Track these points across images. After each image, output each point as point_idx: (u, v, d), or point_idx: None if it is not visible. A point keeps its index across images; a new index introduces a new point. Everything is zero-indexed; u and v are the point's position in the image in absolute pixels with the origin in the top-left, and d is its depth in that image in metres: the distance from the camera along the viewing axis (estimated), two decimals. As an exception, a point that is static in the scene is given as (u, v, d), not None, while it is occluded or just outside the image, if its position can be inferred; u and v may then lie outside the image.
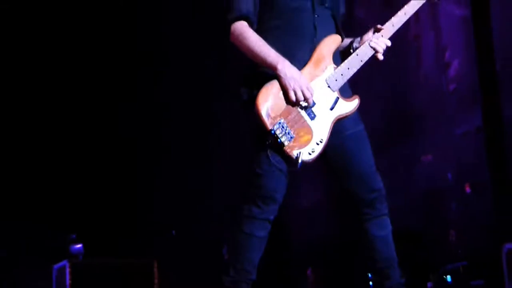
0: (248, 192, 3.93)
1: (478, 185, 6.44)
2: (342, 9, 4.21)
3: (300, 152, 3.82)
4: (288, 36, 4.00)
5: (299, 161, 3.80)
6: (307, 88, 3.83)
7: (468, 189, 6.52)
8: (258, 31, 4.00)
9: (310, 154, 3.82)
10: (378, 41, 3.98)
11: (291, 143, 3.81)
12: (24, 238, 7.85)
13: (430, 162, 6.92)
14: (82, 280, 6.14)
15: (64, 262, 6.20)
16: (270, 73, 3.87)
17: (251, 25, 3.98)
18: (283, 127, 3.80)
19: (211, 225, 8.74)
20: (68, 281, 6.10)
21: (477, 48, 6.40)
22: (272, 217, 3.89)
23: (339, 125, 3.95)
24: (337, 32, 4.05)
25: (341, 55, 4.11)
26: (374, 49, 3.97)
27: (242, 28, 3.96)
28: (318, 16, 4.01)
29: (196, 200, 9.21)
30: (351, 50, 4.05)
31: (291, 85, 3.82)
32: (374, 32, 4.02)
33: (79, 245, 6.33)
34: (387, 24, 4.02)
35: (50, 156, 9.44)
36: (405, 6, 4.05)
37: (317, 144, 3.84)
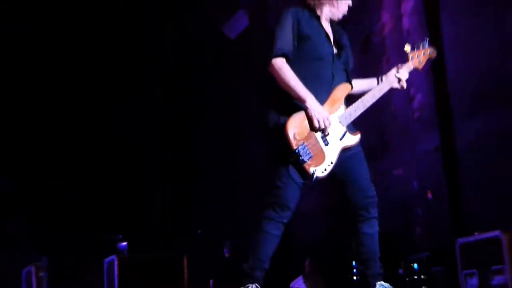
0: (268, 200, 4.23)
1: (437, 192, 6.62)
2: (351, 64, 4.56)
3: (315, 170, 4.17)
4: (312, 79, 4.32)
5: (314, 176, 4.16)
6: (327, 119, 4.18)
7: (430, 196, 6.68)
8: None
9: (323, 172, 4.19)
10: (402, 73, 4.55)
11: (309, 162, 4.15)
12: (83, 238, 8.07)
13: (400, 174, 7.16)
14: (127, 271, 6.29)
15: (113, 257, 6.38)
16: (296, 106, 4.23)
17: (288, 62, 4.29)
18: (304, 148, 4.15)
19: (232, 227, 8.90)
20: (116, 272, 6.26)
21: (435, 85, 6.60)
22: (285, 221, 4.24)
23: (344, 151, 4.28)
24: (348, 80, 4.43)
25: (355, 97, 4.46)
26: (398, 78, 4.53)
27: (282, 64, 4.26)
28: (336, 67, 4.38)
29: (222, 205, 9.28)
30: (370, 88, 4.52)
31: (315, 115, 4.17)
32: (397, 70, 4.58)
33: (124, 243, 6.55)
34: (404, 67, 4.60)
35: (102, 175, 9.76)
36: (405, 65, 4.63)
37: (329, 165, 4.21)
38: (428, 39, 4.81)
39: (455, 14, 6.53)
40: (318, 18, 4.47)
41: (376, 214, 4.36)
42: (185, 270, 6.44)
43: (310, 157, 4.17)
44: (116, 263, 6.29)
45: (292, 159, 4.15)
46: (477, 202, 6.25)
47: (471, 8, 6.36)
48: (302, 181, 4.19)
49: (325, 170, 4.21)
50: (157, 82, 10.89)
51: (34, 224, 8.94)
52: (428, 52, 4.76)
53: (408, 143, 6.98)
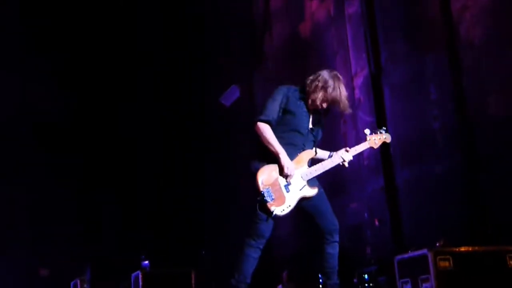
0: (249, 231, 4.37)
1: (382, 221, 6.66)
2: (320, 135, 4.65)
3: (275, 209, 4.28)
4: (288, 145, 4.45)
5: (273, 214, 4.28)
6: (292, 170, 4.34)
7: (376, 223, 6.73)
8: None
9: (281, 212, 4.32)
10: (346, 156, 4.57)
11: (272, 202, 4.28)
12: (113, 258, 8.24)
13: (354, 207, 7.22)
14: (149, 284, 6.37)
15: (138, 272, 6.46)
16: (270, 158, 4.34)
17: (271, 126, 4.43)
18: (268, 191, 4.30)
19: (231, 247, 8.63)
20: (140, 284, 6.34)
21: None
22: (261, 247, 4.38)
23: (306, 199, 4.40)
24: (314, 147, 4.58)
25: (317, 160, 4.57)
26: (343, 159, 4.54)
27: (266, 127, 4.42)
28: (307, 139, 4.53)
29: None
30: (329, 157, 4.56)
31: (284, 164, 4.33)
32: (345, 151, 4.60)
33: (146, 261, 6.55)
34: (353, 148, 4.64)
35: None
36: (364, 143, 4.70)
37: (288, 207, 4.34)
38: (385, 128, 4.89)
39: (394, 88, 6.74)
40: (305, 99, 4.53)
41: (337, 239, 4.48)
42: (193, 282, 6.48)
43: (272, 199, 4.29)
44: (140, 277, 6.34)
45: (259, 198, 4.27)
46: (411, 228, 6.37)
47: (405, 85, 6.60)
48: (266, 217, 4.30)
49: (283, 210, 4.34)
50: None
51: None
52: (384, 137, 4.81)
53: (361, 183, 7.06)
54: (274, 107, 4.49)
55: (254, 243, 4.38)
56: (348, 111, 4.66)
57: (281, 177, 4.38)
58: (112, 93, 9.52)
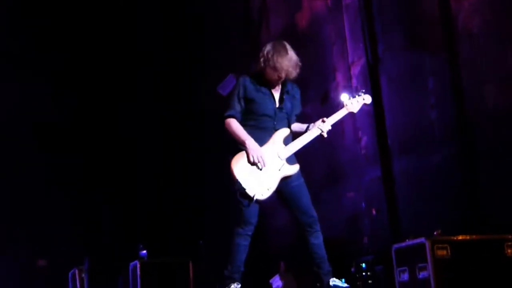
0: (235, 220, 4.46)
1: (379, 210, 6.67)
2: (297, 109, 4.71)
3: (255, 194, 4.37)
4: (258, 131, 4.56)
5: (254, 199, 4.36)
6: (261, 156, 4.41)
7: (374, 213, 6.71)
8: (241, 123, 4.56)
9: (262, 195, 4.39)
10: (323, 126, 4.59)
11: (250, 188, 4.37)
12: (113, 247, 8.31)
13: (352, 197, 7.20)
14: (147, 273, 6.34)
15: (136, 262, 6.44)
16: (241, 149, 4.45)
17: (237, 119, 4.56)
18: (245, 179, 4.36)
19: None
20: (138, 274, 6.32)
21: (377, 130, 6.70)
22: (250, 233, 4.47)
23: (288, 179, 4.52)
24: (288, 125, 4.63)
25: (296, 136, 4.61)
26: (321, 130, 4.57)
27: (231, 121, 4.55)
28: (278, 118, 4.58)
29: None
30: (307, 130, 4.60)
31: (251, 152, 4.43)
32: (322, 121, 4.63)
33: (144, 251, 6.50)
34: (330, 117, 4.65)
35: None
36: (342, 109, 4.71)
37: (267, 190, 4.42)
38: (364, 90, 4.92)
39: (391, 77, 6.73)
40: (264, 83, 4.60)
41: (318, 229, 4.56)
42: (191, 272, 6.48)
43: (250, 185, 4.37)
44: (138, 267, 6.33)
45: (236, 186, 4.37)
46: (408, 217, 6.38)
47: (403, 74, 6.58)
48: (247, 203, 4.38)
49: (263, 194, 4.40)
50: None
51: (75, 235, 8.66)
52: (363, 99, 4.80)
53: (358, 173, 7.04)
54: (234, 101, 4.58)
55: (242, 230, 4.44)
56: (293, 75, 4.59)
57: (251, 164, 4.41)
58: (112, 93, 9.46)
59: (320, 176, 7.36)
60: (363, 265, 6.19)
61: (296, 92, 4.79)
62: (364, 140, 6.95)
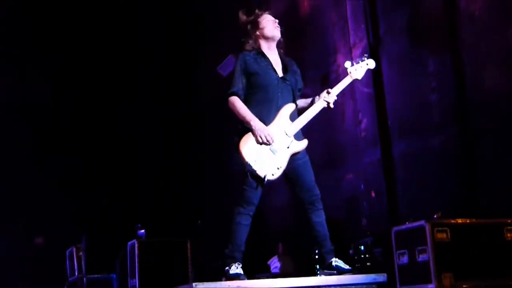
0: (237, 199, 4.37)
1: (378, 192, 6.70)
2: (300, 84, 4.64)
3: (265, 175, 4.26)
4: (262, 102, 4.44)
5: (266, 179, 4.27)
6: (268, 135, 4.30)
7: (373, 195, 6.76)
8: (245, 100, 4.45)
9: (272, 175, 4.29)
10: (329, 97, 4.49)
11: (260, 169, 4.26)
12: (109, 227, 8.34)
13: (351, 179, 7.27)
14: (145, 252, 6.34)
15: (134, 241, 6.44)
16: (247, 129, 4.33)
17: (240, 97, 4.43)
18: (255, 160, 4.27)
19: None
20: (136, 253, 6.32)
21: (377, 112, 6.74)
22: (251, 213, 4.36)
23: (294, 156, 4.43)
24: (293, 100, 4.52)
25: (301, 111, 4.49)
26: (327, 102, 4.46)
27: (234, 100, 4.43)
28: (281, 90, 4.47)
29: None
30: (310, 104, 4.49)
31: (257, 133, 4.30)
32: (327, 92, 4.51)
33: (142, 231, 6.47)
34: (335, 87, 4.55)
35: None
36: (346, 77, 4.60)
37: (277, 169, 4.31)
38: (366, 55, 4.79)
39: (392, 60, 6.74)
40: (262, 54, 4.56)
41: (321, 207, 4.49)
42: (189, 251, 6.48)
43: (260, 166, 4.26)
44: (136, 246, 6.32)
45: (247, 168, 4.26)
46: (407, 199, 6.43)
47: (403, 56, 6.59)
48: (255, 184, 4.30)
49: (274, 174, 4.29)
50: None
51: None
52: (366, 64, 4.68)
53: (357, 155, 7.07)
54: (236, 78, 4.50)
55: (243, 210, 4.37)
56: (276, 36, 4.61)
57: (259, 144, 4.34)
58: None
59: (319, 158, 7.09)
60: (362, 247, 6.20)
61: (296, 67, 4.75)
62: (364, 122, 6.96)
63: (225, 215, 4.70)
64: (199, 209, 9.10)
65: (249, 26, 4.63)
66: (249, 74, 4.51)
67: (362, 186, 6.98)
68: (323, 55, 7.59)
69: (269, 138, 4.32)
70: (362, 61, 4.71)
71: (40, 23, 9.26)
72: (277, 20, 4.64)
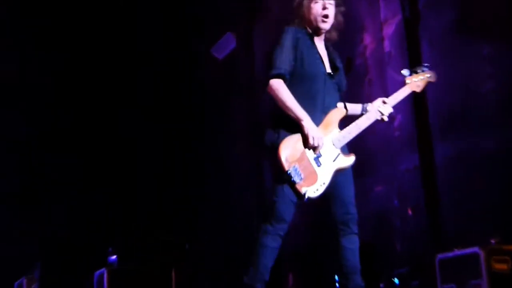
0: (266, 215, 4.36)
1: (416, 208, 6.64)
2: (344, 87, 4.69)
3: (307, 190, 4.28)
4: (305, 98, 4.42)
5: (306, 196, 4.27)
6: (321, 139, 4.32)
7: (409, 212, 6.70)
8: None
9: (314, 192, 4.31)
10: (385, 108, 4.58)
11: (301, 182, 4.26)
12: (75, 252, 8.29)
13: (381, 191, 7.21)
14: (117, 284, 6.34)
15: (103, 270, 6.43)
16: (292, 126, 4.32)
17: (285, 81, 4.42)
18: (296, 170, 4.26)
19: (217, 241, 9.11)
20: (105, 284, 6.30)
21: (415, 106, 6.68)
22: (282, 233, 4.36)
23: (338, 172, 4.43)
24: (342, 101, 4.58)
25: (350, 119, 4.57)
26: (381, 113, 4.56)
27: (279, 84, 4.40)
28: (327, 86, 4.52)
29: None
30: (363, 113, 4.61)
31: (310, 134, 4.30)
32: (383, 102, 4.61)
33: (114, 256, 6.47)
34: (391, 97, 4.65)
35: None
36: (404, 87, 4.72)
37: (321, 185, 4.33)
38: (428, 64, 4.90)
39: (434, 40, 6.66)
40: (312, 37, 4.61)
41: (356, 230, 4.48)
42: (173, 282, 6.51)
43: (301, 178, 4.26)
44: (106, 276, 6.30)
45: (285, 179, 4.25)
46: (455, 219, 6.33)
47: (449, 35, 6.52)
48: (295, 200, 4.29)
49: (317, 190, 4.31)
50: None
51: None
52: (427, 76, 4.80)
53: (389, 161, 7.03)
54: (285, 55, 4.47)
55: (272, 229, 4.36)
56: (321, 28, 4.67)
57: (308, 149, 4.36)
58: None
59: None
60: (396, 279, 6.24)
61: (340, 61, 4.79)
62: (398, 119, 6.93)
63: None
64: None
65: (296, 2, 4.71)
66: (297, 56, 4.52)
67: (395, 200, 6.97)
68: (345, 33, 7.17)
69: (320, 143, 4.32)
70: (423, 71, 4.82)
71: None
72: (327, 9, 4.65)
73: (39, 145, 10.03)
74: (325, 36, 4.72)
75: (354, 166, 7.05)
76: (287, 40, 4.51)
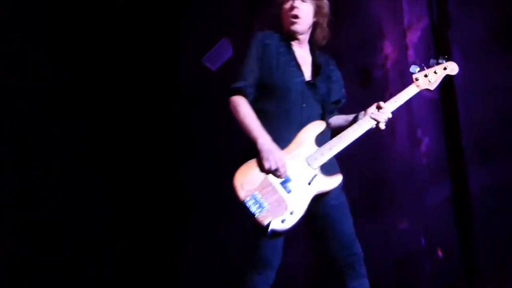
0: (250, 260, 4.31)
1: (448, 250, 6.47)
2: (336, 94, 4.65)
3: (270, 222, 4.08)
4: (278, 114, 4.39)
5: (269, 229, 4.08)
6: (280, 161, 4.16)
7: (439, 253, 6.53)
8: (256, 110, 4.40)
9: (281, 224, 4.09)
10: (380, 114, 4.43)
11: (263, 214, 4.08)
12: None
13: (405, 229, 7.00)
14: None
15: None
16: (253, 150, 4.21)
17: (248, 97, 4.41)
18: (255, 199, 4.09)
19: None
20: None
21: (445, 127, 6.53)
22: (271, 281, 4.29)
23: (322, 198, 4.27)
24: (323, 116, 4.46)
25: (338, 132, 4.46)
26: (376, 120, 4.41)
27: (238, 101, 4.37)
28: (306, 98, 4.44)
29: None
30: (352, 123, 4.49)
31: (265, 156, 4.16)
32: (377, 107, 4.48)
33: None
34: (391, 100, 4.54)
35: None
36: (410, 86, 4.68)
37: (290, 215, 4.11)
38: (446, 56, 4.76)
39: (468, 47, 6.48)
40: (287, 42, 4.57)
41: (364, 272, 4.38)
42: None
43: (263, 208, 4.08)
44: None
45: (244, 209, 4.10)
46: (495, 262, 6.15)
47: (486, 42, 6.36)
48: (260, 235, 4.12)
49: (285, 221, 4.09)
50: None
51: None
52: (444, 68, 4.66)
53: (415, 193, 6.84)
54: (248, 67, 4.47)
55: (259, 277, 4.28)
56: (292, 31, 4.62)
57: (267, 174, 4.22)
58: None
59: (357, 196, 6.64)
60: None
61: (333, 69, 4.75)
62: (425, 143, 6.77)
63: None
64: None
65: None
66: (265, 66, 4.50)
67: (422, 240, 6.73)
68: (363, 40, 7.44)
69: (280, 166, 4.18)
70: (438, 63, 4.71)
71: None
72: (296, 8, 4.60)
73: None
74: (309, 39, 4.67)
75: (370, 198, 7.13)
76: (252, 49, 4.52)
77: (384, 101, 4.59)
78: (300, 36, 4.62)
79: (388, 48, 7.24)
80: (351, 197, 7.04)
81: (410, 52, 6.94)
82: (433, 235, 6.65)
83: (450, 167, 6.54)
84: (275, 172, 4.18)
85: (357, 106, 4.66)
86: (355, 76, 7.38)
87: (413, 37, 6.91)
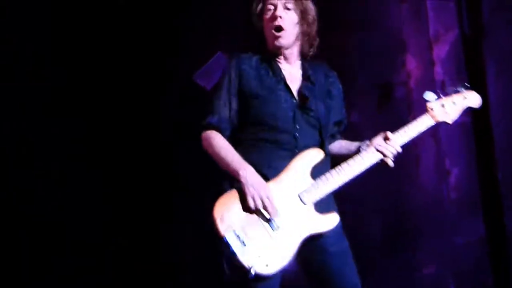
0: None
1: None
2: (339, 116, 4.58)
3: (253, 264, 4.00)
4: (267, 148, 4.30)
5: (252, 272, 3.97)
6: (267, 197, 4.07)
7: None
8: (238, 140, 4.37)
9: (266, 267, 3.99)
10: (387, 147, 4.31)
11: (245, 253, 4.00)
12: None
13: (432, 273, 6.85)
14: None
15: None
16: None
17: (223, 132, 4.36)
18: (237, 236, 4.02)
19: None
20: None
21: (477, 157, 6.53)
22: None
23: (322, 241, 4.18)
24: (321, 143, 4.35)
25: (339, 161, 4.34)
26: (382, 153, 4.30)
27: (210, 137, 4.34)
28: (300, 125, 4.33)
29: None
30: (355, 152, 4.38)
31: (250, 192, 4.08)
32: (385, 138, 4.36)
33: None
34: (400, 131, 4.41)
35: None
36: (423, 116, 4.53)
37: (276, 256, 4.04)
38: (467, 84, 4.66)
39: (505, 61, 6.42)
40: (272, 60, 4.49)
41: None
42: None
43: (245, 247, 4.00)
44: None
45: (223, 250, 4.04)
46: None
47: None
48: (243, 280, 3.99)
49: (269, 265, 3.99)
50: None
51: None
52: (464, 97, 4.56)
53: (443, 231, 6.70)
54: (219, 99, 4.43)
55: None
56: (276, 47, 4.54)
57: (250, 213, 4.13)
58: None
59: (374, 235, 7.08)
60: None
61: (333, 81, 4.65)
62: (455, 175, 6.71)
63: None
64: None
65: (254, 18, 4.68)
66: (245, 95, 4.43)
67: (452, 284, 6.60)
68: (381, 56, 7.24)
69: (267, 203, 4.08)
70: (456, 92, 4.63)
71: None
72: (278, 18, 4.52)
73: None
74: (299, 53, 4.60)
75: (390, 238, 7.00)
76: (225, 78, 4.45)
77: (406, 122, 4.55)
78: (286, 51, 4.53)
79: (411, 63, 7.11)
80: (370, 235, 6.98)
81: (437, 69, 6.86)
82: (464, 280, 6.56)
83: (484, 202, 6.51)
84: (259, 209, 4.07)
85: (371, 131, 4.54)
86: (371, 96, 7.29)
87: (441, 50, 6.83)
